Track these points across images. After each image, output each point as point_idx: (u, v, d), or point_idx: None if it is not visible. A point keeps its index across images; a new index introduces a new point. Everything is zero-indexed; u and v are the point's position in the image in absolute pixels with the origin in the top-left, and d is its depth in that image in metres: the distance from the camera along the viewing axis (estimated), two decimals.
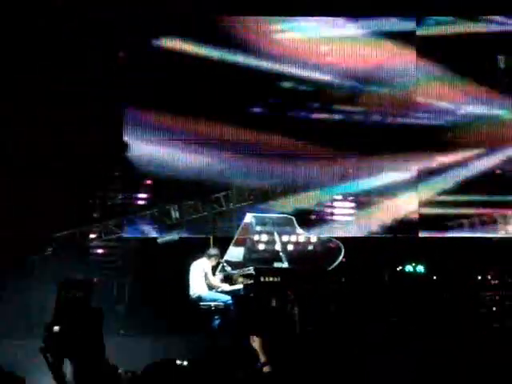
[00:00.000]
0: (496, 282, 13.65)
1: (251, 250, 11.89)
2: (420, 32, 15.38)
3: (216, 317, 11.47)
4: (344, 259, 11.83)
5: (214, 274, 11.80)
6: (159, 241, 15.47)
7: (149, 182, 15.69)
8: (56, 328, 8.87)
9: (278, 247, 11.61)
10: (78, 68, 14.60)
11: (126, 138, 15.32)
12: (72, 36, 14.62)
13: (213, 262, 11.83)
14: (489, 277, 14.23)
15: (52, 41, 14.55)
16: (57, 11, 14.42)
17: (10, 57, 14.35)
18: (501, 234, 15.17)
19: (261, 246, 11.92)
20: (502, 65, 15.20)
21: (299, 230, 11.97)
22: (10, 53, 14.36)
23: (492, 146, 15.33)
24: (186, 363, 8.54)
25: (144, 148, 15.34)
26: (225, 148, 15.40)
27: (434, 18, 15.44)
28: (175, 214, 15.74)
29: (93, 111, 14.65)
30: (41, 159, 14.42)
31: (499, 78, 15.29)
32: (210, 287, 11.68)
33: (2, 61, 14.27)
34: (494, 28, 15.35)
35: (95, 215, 15.80)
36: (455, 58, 15.20)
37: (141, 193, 15.87)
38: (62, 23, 14.52)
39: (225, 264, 11.74)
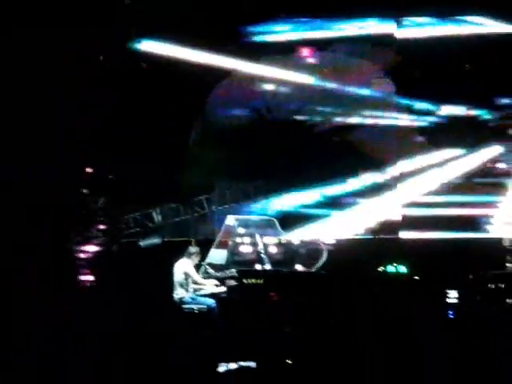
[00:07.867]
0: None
1: (233, 252, 11.92)
2: (399, 34, 15.33)
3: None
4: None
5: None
6: (142, 244, 15.45)
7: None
8: None
9: (260, 249, 11.65)
10: None
11: None
12: None
13: (194, 260, 11.76)
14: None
15: None
16: None
17: None
18: (482, 234, 15.22)
19: (243, 249, 11.95)
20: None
21: (281, 232, 12.02)
22: None
23: (471, 146, 15.41)
24: None
25: None
26: None
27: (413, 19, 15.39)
28: (158, 218, 15.73)
29: None
30: None
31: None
32: (196, 284, 11.57)
33: None
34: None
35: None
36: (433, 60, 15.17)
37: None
38: None
39: (207, 266, 11.74)
